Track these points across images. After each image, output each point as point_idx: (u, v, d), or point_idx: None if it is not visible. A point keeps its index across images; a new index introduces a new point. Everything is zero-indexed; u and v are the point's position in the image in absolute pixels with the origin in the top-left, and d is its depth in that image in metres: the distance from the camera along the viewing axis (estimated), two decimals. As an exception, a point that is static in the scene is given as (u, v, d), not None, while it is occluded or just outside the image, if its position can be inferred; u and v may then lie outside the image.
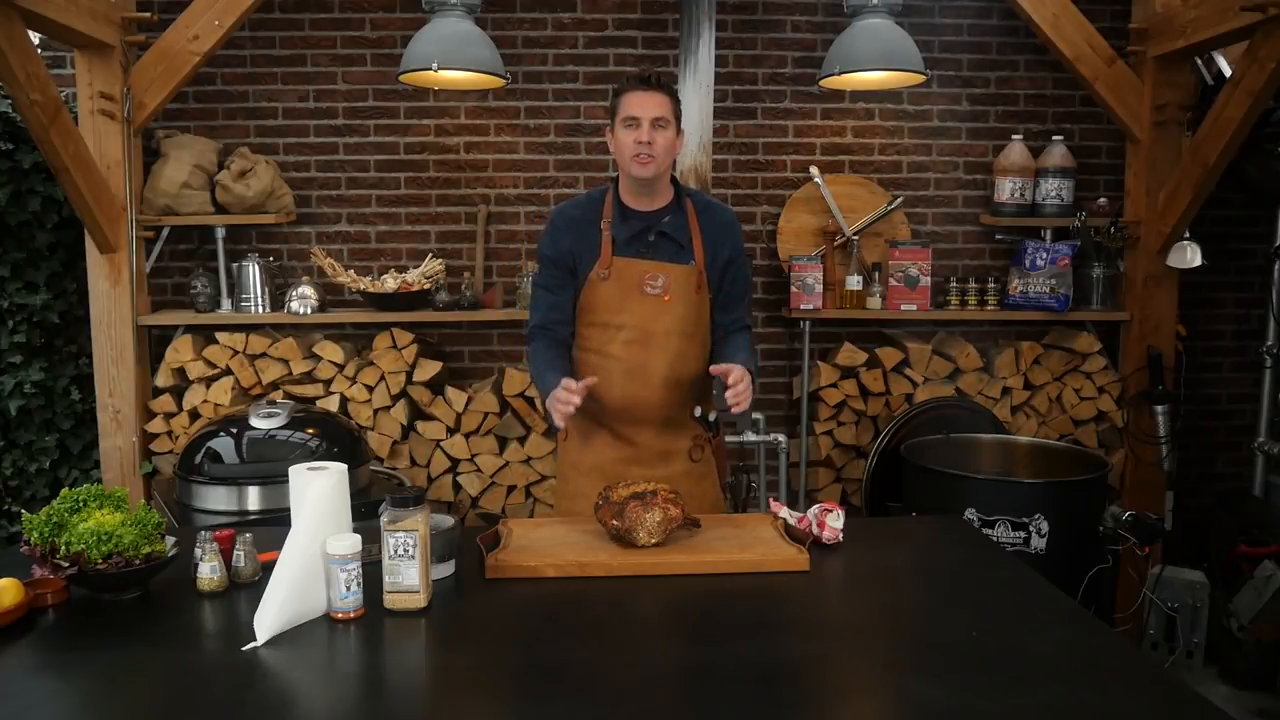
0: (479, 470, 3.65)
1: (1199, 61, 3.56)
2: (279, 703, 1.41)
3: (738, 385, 2.11)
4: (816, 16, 3.87)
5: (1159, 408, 3.70)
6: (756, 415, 3.61)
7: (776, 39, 3.90)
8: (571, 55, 3.87)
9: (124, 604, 1.72)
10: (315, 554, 1.64)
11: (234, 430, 3.05)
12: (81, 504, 1.74)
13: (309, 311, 3.62)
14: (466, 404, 3.63)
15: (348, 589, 1.64)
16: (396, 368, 3.62)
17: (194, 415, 3.57)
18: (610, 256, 2.33)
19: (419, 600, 1.67)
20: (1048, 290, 3.66)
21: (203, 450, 3.02)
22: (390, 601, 1.67)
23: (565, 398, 2.11)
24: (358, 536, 1.67)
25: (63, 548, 1.67)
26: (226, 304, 3.68)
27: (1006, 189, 3.77)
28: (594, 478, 2.35)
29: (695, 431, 2.45)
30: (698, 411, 2.43)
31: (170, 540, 1.82)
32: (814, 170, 3.84)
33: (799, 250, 3.82)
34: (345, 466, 1.77)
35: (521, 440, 3.66)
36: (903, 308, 3.71)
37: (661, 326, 2.34)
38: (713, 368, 2.20)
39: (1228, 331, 4.13)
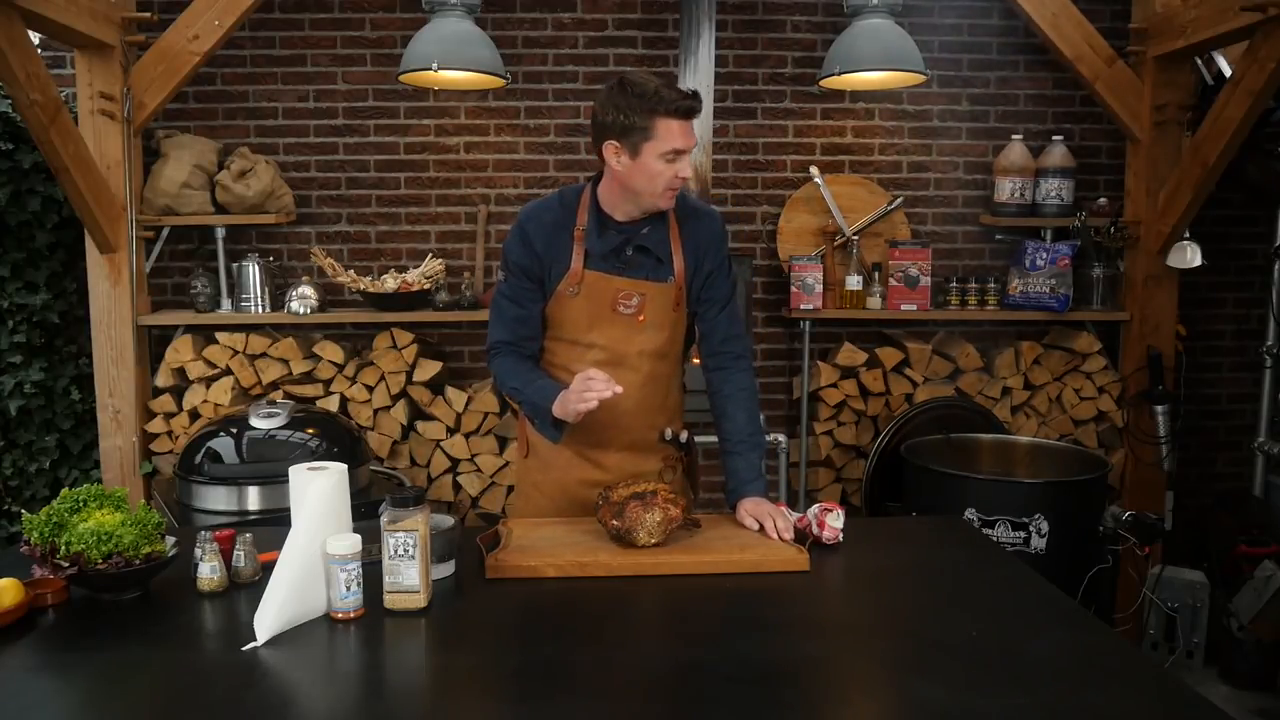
0: (479, 470, 3.65)
1: (1199, 61, 3.55)
2: (279, 703, 1.41)
3: (774, 534, 2.00)
4: (816, 16, 3.87)
5: (1159, 408, 3.69)
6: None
7: (776, 39, 3.89)
8: (571, 55, 3.87)
9: (124, 604, 1.72)
10: (315, 554, 1.64)
11: (234, 430, 3.05)
12: (81, 504, 1.74)
13: (309, 311, 3.62)
14: (466, 404, 3.63)
15: (348, 589, 1.64)
16: (396, 368, 3.62)
17: (194, 415, 3.57)
18: (581, 271, 2.10)
19: (419, 600, 1.67)
20: (1048, 290, 3.66)
21: (203, 450, 3.02)
22: (390, 601, 1.67)
23: (598, 387, 1.92)
24: (358, 536, 1.67)
25: (63, 548, 1.67)
26: (226, 304, 3.68)
27: (1006, 189, 3.77)
28: (557, 500, 2.24)
29: (666, 452, 2.28)
30: (668, 434, 2.25)
31: (170, 540, 1.82)
32: (814, 170, 3.84)
33: (799, 250, 3.82)
34: (345, 466, 1.77)
35: (521, 440, 3.66)
36: (903, 308, 3.71)
37: (634, 348, 2.15)
38: (743, 517, 2.08)
39: (1228, 331, 4.13)
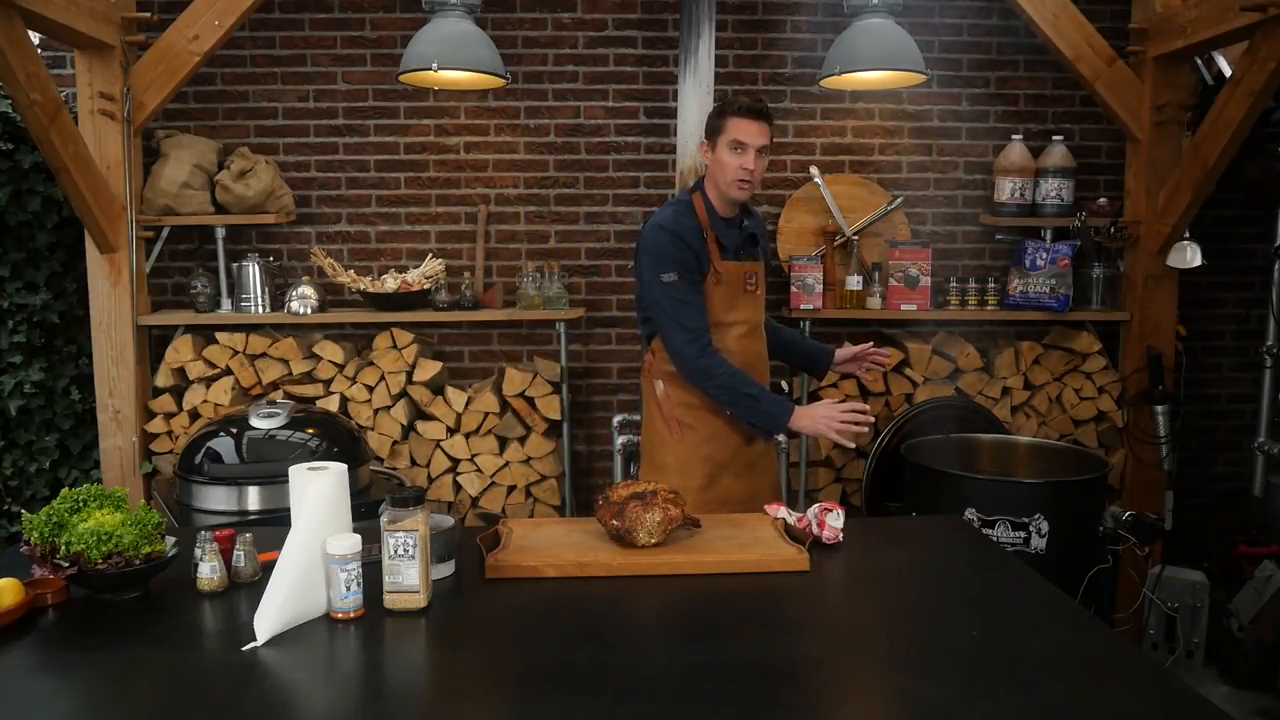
0: (479, 470, 3.65)
1: (1199, 61, 3.56)
2: (279, 703, 1.41)
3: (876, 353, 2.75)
4: (816, 16, 3.87)
5: (1159, 408, 3.70)
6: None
7: (776, 39, 3.90)
8: (571, 55, 3.87)
9: (124, 604, 1.71)
10: (315, 554, 1.64)
11: (234, 430, 3.05)
12: (81, 504, 1.74)
13: (309, 311, 3.62)
14: (466, 404, 3.63)
15: (348, 589, 1.64)
16: (396, 368, 3.62)
17: (194, 415, 3.57)
18: (721, 262, 2.54)
19: (419, 600, 1.67)
20: (1048, 290, 3.66)
21: (203, 450, 3.02)
22: (390, 601, 1.67)
23: (863, 420, 2.40)
24: (358, 536, 1.67)
25: (63, 548, 1.67)
26: (226, 304, 3.68)
27: (1006, 189, 3.77)
28: (725, 462, 2.60)
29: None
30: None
31: (170, 540, 1.82)
32: (814, 170, 3.84)
33: (799, 250, 3.82)
34: (345, 466, 1.77)
35: (521, 440, 3.66)
36: (903, 308, 3.71)
37: (759, 317, 2.66)
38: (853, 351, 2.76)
39: (1228, 331, 4.13)
